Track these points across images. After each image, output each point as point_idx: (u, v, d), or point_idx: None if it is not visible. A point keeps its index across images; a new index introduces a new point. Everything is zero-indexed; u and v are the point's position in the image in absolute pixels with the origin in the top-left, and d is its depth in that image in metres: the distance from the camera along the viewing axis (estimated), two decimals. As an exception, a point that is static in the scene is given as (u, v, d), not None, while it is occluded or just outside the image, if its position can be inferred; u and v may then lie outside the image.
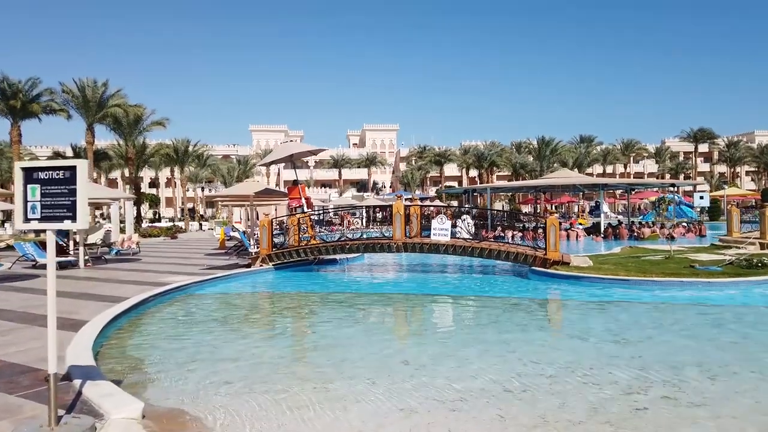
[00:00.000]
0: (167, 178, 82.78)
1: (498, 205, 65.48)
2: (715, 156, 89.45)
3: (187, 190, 68.17)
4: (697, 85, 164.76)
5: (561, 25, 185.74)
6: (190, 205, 74.79)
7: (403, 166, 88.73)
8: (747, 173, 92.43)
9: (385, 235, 18.82)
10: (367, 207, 47.75)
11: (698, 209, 51.33)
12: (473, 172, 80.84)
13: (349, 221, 37.01)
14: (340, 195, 74.28)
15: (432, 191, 77.79)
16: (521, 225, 36.33)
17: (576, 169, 63.87)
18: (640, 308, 11.75)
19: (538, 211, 49.15)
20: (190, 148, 62.90)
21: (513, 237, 28.89)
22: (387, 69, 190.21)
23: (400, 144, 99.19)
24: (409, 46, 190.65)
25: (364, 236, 21.06)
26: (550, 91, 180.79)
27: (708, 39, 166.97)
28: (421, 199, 60.38)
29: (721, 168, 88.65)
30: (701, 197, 50.79)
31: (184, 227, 53.55)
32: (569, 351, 8.32)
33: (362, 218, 49.55)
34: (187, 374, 7.30)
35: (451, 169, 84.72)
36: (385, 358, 8.11)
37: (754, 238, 21.39)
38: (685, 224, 35.07)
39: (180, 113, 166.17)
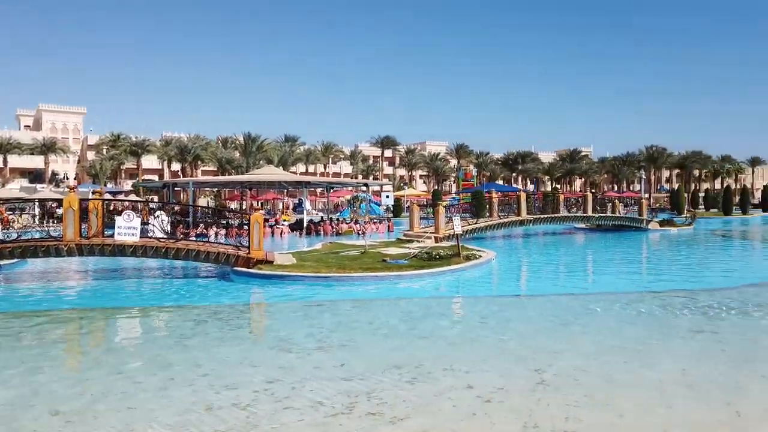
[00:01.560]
0: None
1: (203, 201, 62.42)
2: (398, 161, 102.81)
3: None
4: (384, 96, 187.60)
5: (269, 27, 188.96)
6: None
7: (91, 155, 77.51)
8: (420, 176, 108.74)
9: (53, 235, 15.22)
10: (40, 200, 39.66)
11: (385, 207, 57.71)
12: (176, 166, 75.40)
13: (5, 218, 29.79)
14: (3, 186, 60.62)
15: (128, 184, 69.81)
16: (226, 222, 34.83)
17: (281, 167, 65.16)
18: (342, 307, 11.69)
19: (245, 207, 48.32)
20: None
21: (217, 235, 27.25)
22: (71, 43, 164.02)
23: (88, 130, 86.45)
24: (99, 24, 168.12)
25: (27, 236, 16.72)
26: (257, 89, 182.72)
27: (390, 58, 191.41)
28: (114, 194, 53.51)
29: (402, 171, 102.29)
30: (387, 196, 57.25)
31: None
32: (271, 367, 7.40)
33: (35, 214, 41.09)
34: None
35: (150, 161, 77.42)
36: (25, 409, 5.88)
37: (431, 233, 24.38)
38: (376, 220, 38.59)
39: None
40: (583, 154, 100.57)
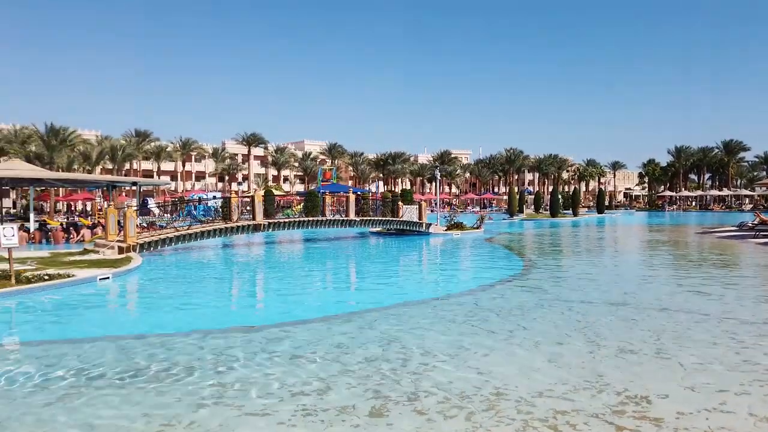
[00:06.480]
0: None
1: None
2: (270, 159, 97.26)
3: None
4: (263, 93, 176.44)
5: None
6: None
7: None
8: (297, 176, 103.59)
9: None
10: None
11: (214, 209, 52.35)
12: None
13: None
14: None
15: None
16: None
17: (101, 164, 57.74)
18: None
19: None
20: None
21: None
22: None
23: None
24: None
25: None
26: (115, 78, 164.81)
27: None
28: None
29: (275, 171, 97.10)
30: (214, 197, 52.06)
31: None
32: None
33: None
34: None
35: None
36: None
37: (116, 241, 19.87)
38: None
39: None
40: (453, 156, 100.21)
